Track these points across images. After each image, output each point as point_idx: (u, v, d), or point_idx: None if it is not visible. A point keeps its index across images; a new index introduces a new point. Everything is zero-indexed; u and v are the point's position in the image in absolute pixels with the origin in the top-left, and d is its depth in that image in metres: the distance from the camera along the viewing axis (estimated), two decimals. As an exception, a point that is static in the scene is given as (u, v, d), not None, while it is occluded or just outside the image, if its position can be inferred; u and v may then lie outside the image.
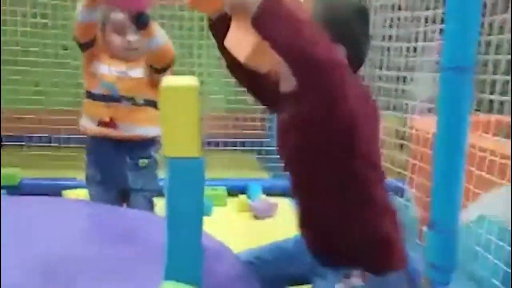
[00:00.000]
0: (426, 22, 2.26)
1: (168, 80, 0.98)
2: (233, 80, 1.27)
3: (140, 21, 1.53)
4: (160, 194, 1.72)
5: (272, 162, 3.53)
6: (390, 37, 2.53)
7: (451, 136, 1.24)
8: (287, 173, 1.17)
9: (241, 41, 1.01)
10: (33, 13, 3.37)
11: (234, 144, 3.65)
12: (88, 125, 1.71)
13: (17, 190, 2.94)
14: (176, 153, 0.92)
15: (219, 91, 3.57)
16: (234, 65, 1.12)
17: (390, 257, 1.05)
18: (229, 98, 3.68)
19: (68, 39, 3.15)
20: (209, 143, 3.42)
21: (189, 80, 0.93)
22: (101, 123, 1.68)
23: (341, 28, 1.02)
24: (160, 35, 1.61)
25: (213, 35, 1.16)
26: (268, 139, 3.45)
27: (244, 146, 3.72)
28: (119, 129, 1.68)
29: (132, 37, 1.65)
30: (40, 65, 3.40)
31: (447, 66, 1.21)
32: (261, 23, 0.92)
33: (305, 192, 1.11)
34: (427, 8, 2.22)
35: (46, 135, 3.52)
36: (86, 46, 1.66)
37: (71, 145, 3.20)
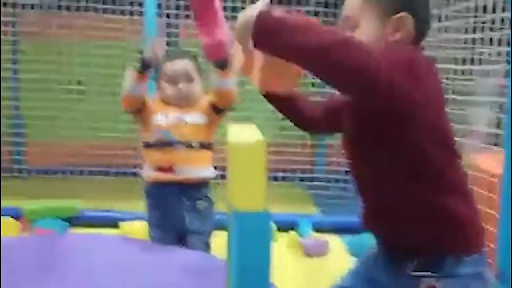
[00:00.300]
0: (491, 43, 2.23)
1: (234, 134, 1.04)
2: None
3: (223, 66, 1.66)
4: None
5: (321, 196, 3.54)
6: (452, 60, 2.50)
7: None
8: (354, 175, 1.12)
9: (252, 67, 1.01)
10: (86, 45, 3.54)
11: (282, 176, 3.68)
12: (147, 172, 1.81)
13: (76, 221, 3.07)
14: (242, 206, 0.97)
15: (265, 123, 3.62)
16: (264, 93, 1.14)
17: (471, 240, 1.02)
18: (276, 130, 3.72)
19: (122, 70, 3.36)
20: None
21: (254, 133, 0.98)
22: (159, 169, 1.77)
23: None
24: (233, 77, 1.72)
25: None
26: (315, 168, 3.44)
27: (292, 179, 3.73)
28: (176, 173, 1.76)
29: (183, 85, 1.77)
30: (96, 99, 3.62)
31: None
32: (265, 41, 0.88)
33: (376, 188, 1.06)
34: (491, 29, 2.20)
35: (101, 169, 3.66)
36: (135, 113, 1.81)
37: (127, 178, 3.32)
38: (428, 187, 0.98)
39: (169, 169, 1.76)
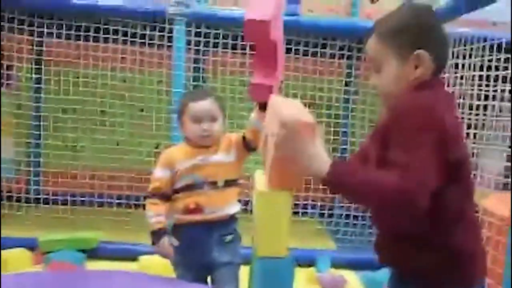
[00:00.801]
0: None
1: (261, 181, 1.10)
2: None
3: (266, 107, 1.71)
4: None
5: (339, 232, 3.55)
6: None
7: None
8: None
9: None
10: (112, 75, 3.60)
11: (302, 212, 3.69)
12: (175, 215, 1.86)
13: (95, 253, 3.06)
14: (267, 253, 1.02)
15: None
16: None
17: (475, 274, 1.07)
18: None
19: (145, 101, 3.50)
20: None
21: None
22: (187, 211, 1.81)
23: (426, 32, 1.08)
24: None
25: None
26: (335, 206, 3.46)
27: (311, 215, 3.73)
28: (204, 213, 1.81)
29: (207, 125, 1.81)
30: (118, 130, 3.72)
31: None
32: (333, 188, 1.01)
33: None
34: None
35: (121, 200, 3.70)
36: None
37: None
38: (446, 224, 1.04)
39: (197, 210, 1.80)
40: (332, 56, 3.47)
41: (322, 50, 3.30)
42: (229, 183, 1.84)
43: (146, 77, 3.51)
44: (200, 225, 1.80)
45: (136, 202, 3.36)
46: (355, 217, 3.54)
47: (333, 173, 0.97)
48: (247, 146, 1.82)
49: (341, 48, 3.37)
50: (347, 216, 3.55)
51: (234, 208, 1.85)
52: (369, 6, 3.62)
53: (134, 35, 3.19)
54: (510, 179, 1.64)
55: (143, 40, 3.21)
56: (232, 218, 1.86)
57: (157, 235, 1.79)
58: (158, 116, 3.44)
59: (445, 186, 0.99)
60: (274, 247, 1.05)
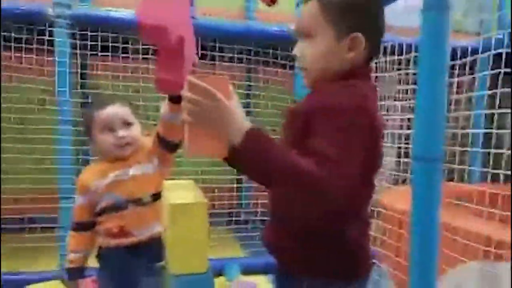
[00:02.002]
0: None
1: (174, 197, 0.98)
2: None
3: (178, 100, 1.42)
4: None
5: (247, 238, 3.50)
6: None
7: (425, 222, 1.32)
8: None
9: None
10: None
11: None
12: (100, 239, 1.63)
13: None
14: (185, 270, 0.91)
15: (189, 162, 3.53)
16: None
17: (360, 265, 1.04)
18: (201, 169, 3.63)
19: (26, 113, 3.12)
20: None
21: (194, 192, 0.94)
22: (111, 235, 1.58)
23: (369, 17, 1.02)
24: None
25: None
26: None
27: (217, 223, 3.63)
28: (131, 236, 1.58)
29: (122, 131, 1.59)
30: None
31: (418, 156, 1.29)
32: (241, 161, 0.89)
33: (286, 207, 1.02)
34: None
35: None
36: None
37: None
38: (345, 220, 0.97)
39: (122, 234, 1.58)
40: (231, 60, 3.40)
41: (220, 54, 3.22)
42: (157, 197, 1.59)
43: (25, 86, 3.17)
44: (127, 249, 1.58)
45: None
46: (262, 221, 3.52)
47: (246, 142, 0.86)
48: (165, 143, 1.55)
49: (239, 52, 3.31)
50: (254, 221, 3.52)
51: (159, 226, 1.59)
52: (264, 10, 3.63)
53: (8, 38, 2.85)
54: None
55: (19, 45, 2.88)
56: (157, 238, 1.59)
57: (70, 273, 1.58)
58: (41, 129, 3.11)
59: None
60: (194, 262, 0.94)
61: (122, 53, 3.05)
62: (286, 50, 3.21)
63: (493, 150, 1.96)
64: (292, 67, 3.18)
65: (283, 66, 3.32)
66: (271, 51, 3.31)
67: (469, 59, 2.23)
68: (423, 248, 1.32)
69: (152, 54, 3.03)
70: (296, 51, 1.04)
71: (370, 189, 1.02)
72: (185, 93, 0.87)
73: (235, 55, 3.30)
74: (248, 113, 3.74)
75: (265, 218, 3.23)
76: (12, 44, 2.88)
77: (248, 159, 0.87)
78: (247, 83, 3.73)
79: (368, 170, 0.94)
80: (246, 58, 3.40)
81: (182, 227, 0.92)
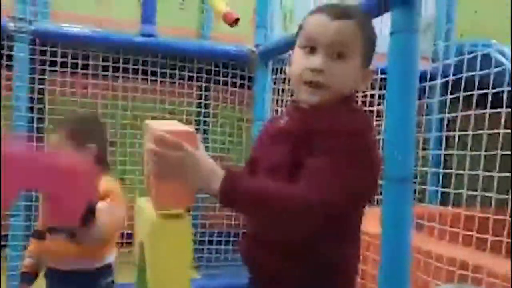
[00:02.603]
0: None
1: (150, 212, 0.98)
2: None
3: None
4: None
5: (201, 259, 3.46)
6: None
7: (396, 244, 1.33)
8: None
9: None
10: None
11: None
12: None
13: None
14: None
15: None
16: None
17: (343, 284, 1.02)
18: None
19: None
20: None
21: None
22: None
23: (373, 50, 1.03)
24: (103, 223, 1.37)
25: None
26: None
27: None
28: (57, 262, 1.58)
29: None
30: None
31: (389, 176, 1.32)
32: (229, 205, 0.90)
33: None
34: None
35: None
36: None
37: None
38: (335, 240, 0.97)
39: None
40: (183, 78, 3.37)
41: (172, 71, 3.22)
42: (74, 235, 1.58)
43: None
44: (62, 274, 1.56)
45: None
46: (218, 242, 3.50)
47: (227, 188, 0.86)
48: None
49: (190, 70, 3.32)
50: (210, 241, 3.49)
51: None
52: (221, 30, 3.67)
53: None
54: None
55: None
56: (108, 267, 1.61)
57: (22, 278, 1.58)
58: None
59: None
60: (176, 285, 0.94)
61: (82, 69, 3.00)
62: (243, 70, 3.25)
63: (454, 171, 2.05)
64: (249, 87, 3.22)
65: (241, 86, 3.36)
66: (229, 71, 3.34)
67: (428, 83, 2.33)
68: (394, 271, 1.31)
69: (112, 72, 3.00)
70: (321, 64, 0.95)
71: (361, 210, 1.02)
72: (152, 146, 0.86)
73: (195, 74, 3.30)
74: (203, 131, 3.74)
75: (220, 239, 3.21)
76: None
77: (234, 202, 0.89)
78: (202, 101, 3.70)
79: (362, 199, 0.96)
80: (205, 77, 3.40)
81: (164, 246, 0.92)
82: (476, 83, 2.01)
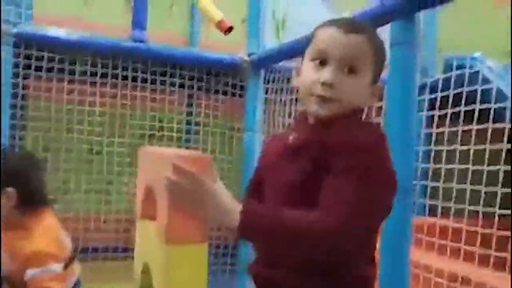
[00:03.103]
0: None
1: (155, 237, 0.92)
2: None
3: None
4: None
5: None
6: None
7: (395, 257, 1.32)
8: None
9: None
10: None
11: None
12: None
13: None
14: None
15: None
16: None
17: None
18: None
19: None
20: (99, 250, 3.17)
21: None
22: None
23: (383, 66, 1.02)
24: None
25: None
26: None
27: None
28: None
29: None
30: None
31: None
32: (248, 236, 0.90)
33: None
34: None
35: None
36: None
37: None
38: (358, 258, 0.96)
39: None
40: (173, 85, 3.27)
41: (161, 78, 3.14)
42: None
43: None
44: None
45: None
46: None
47: (246, 222, 0.85)
48: None
49: (181, 78, 3.24)
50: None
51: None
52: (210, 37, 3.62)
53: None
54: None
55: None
56: None
57: None
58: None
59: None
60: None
61: (69, 74, 2.90)
62: (235, 78, 3.20)
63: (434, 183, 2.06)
64: (241, 96, 3.16)
65: (233, 95, 3.30)
66: (221, 79, 3.29)
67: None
68: (393, 284, 1.30)
69: (101, 77, 2.92)
70: (331, 79, 0.93)
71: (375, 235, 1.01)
72: (169, 175, 0.84)
73: (186, 81, 3.23)
74: (188, 140, 3.65)
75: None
76: None
77: (253, 237, 0.89)
78: (191, 109, 3.62)
79: (382, 217, 0.95)
80: (196, 86, 3.33)
81: (181, 273, 0.87)
82: (463, 98, 2.06)
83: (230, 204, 0.86)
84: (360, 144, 0.88)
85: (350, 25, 0.96)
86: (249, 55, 2.90)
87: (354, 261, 0.94)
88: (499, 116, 2.01)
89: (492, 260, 1.77)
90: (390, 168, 0.91)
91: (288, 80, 2.96)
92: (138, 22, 2.76)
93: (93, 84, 2.96)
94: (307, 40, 1.03)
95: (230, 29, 2.53)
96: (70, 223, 3.01)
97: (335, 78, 0.93)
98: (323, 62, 0.95)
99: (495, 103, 2.02)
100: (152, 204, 1.00)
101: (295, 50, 2.58)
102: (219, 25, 2.49)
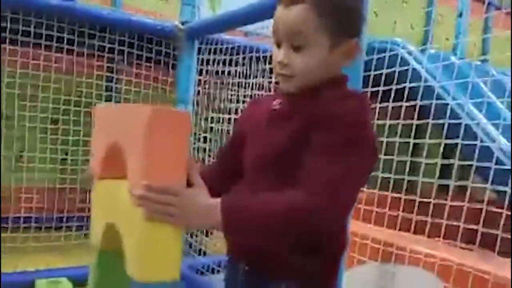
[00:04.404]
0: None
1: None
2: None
3: None
4: None
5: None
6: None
7: None
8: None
9: None
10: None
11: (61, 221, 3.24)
12: None
13: None
14: (155, 276, 0.84)
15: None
16: None
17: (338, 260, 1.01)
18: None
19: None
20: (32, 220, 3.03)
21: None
22: None
23: (361, 21, 0.97)
24: None
25: None
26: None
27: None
28: None
29: None
30: None
31: None
32: (232, 231, 0.88)
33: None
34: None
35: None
36: None
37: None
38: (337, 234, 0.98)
39: None
40: (92, 49, 3.09)
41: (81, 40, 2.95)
42: None
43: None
44: None
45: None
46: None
47: (229, 220, 0.84)
48: None
49: (110, 42, 3.06)
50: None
51: None
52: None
53: None
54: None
55: None
56: None
57: None
58: None
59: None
60: (167, 267, 0.87)
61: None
62: (167, 47, 3.11)
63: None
64: (173, 66, 3.07)
65: (164, 64, 3.19)
66: (151, 46, 3.16)
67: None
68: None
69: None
70: (282, 58, 0.93)
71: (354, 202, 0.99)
72: (140, 192, 0.82)
73: (107, 45, 3.06)
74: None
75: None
76: None
77: (240, 233, 0.87)
78: (112, 75, 3.39)
79: (362, 186, 0.94)
80: (119, 50, 3.15)
81: (155, 225, 0.86)
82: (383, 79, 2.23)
83: (208, 204, 0.86)
84: (345, 118, 0.87)
85: None
86: (182, 23, 2.83)
87: (336, 233, 0.95)
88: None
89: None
90: (373, 138, 0.90)
91: (221, 51, 2.96)
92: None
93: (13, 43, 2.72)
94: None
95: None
96: None
97: (285, 57, 0.92)
98: (277, 43, 0.95)
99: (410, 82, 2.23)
100: (115, 163, 0.96)
101: (231, 22, 2.57)
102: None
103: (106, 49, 3.05)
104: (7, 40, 2.69)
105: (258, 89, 2.84)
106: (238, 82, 2.94)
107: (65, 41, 2.84)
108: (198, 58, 2.89)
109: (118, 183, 0.96)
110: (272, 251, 0.92)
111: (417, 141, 2.21)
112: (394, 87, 2.21)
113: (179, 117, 0.86)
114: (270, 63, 2.38)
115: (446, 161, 2.22)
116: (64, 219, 3.23)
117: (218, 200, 0.86)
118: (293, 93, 0.96)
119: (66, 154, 3.32)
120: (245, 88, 2.95)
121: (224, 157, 1.14)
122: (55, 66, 2.96)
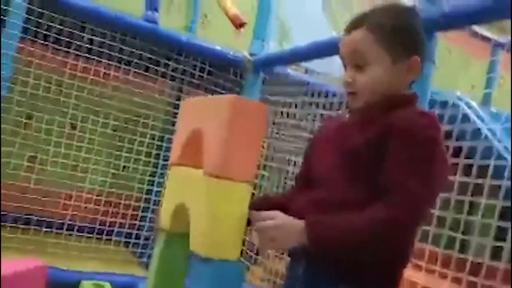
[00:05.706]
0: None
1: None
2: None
3: None
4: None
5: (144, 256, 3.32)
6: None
7: None
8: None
9: None
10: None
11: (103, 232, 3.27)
12: None
13: None
14: (219, 254, 0.90)
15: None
16: None
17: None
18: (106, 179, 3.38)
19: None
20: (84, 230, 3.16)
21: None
22: None
23: (421, 38, 1.04)
24: None
25: None
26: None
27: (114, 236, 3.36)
28: None
29: None
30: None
31: None
32: (320, 248, 0.94)
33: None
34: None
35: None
36: None
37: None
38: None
39: None
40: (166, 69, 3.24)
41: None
42: None
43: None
44: None
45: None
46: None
47: (314, 236, 0.92)
48: None
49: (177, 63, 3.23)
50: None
51: None
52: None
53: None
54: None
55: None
56: None
57: None
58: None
59: None
60: (229, 246, 0.94)
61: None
62: (235, 75, 3.24)
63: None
64: (238, 94, 3.20)
65: (230, 90, 3.31)
66: (220, 73, 3.30)
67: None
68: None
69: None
70: (347, 78, 1.02)
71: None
72: (263, 224, 0.93)
73: (180, 66, 3.25)
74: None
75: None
76: None
77: (325, 247, 0.93)
78: (180, 94, 3.50)
79: (435, 199, 1.02)
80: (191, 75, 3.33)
81: (223, 206, 0.93)
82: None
83: (296, 223, 0.94)
84: (422, 133, 0.93)
85: (352, 23, 1.04)
86: (251, 55, 2.99)
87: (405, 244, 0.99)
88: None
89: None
90: (445, 154, 0.97)
91: (284, 83, 3.07)
92: (152, 3, 2.81)
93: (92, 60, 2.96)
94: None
95: (243, 25, 2.62)
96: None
97: (349, 77, 1.02)
98: (345, 65, 1.06)
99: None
100: (193, 150, 1.06)
101: (296, 57, 2.70)
102: (234, 18, 2.57)
103: (179, 71, 3.24)
104: (91, 52, 2.93)
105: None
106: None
107: (144, 60, 3.05)
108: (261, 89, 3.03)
109: (191, 170, 1.06)
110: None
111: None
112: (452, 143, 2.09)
113: (258, 108, 0.96)
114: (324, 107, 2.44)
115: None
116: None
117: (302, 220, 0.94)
118: (362, 108, 1.03)
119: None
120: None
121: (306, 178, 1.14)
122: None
